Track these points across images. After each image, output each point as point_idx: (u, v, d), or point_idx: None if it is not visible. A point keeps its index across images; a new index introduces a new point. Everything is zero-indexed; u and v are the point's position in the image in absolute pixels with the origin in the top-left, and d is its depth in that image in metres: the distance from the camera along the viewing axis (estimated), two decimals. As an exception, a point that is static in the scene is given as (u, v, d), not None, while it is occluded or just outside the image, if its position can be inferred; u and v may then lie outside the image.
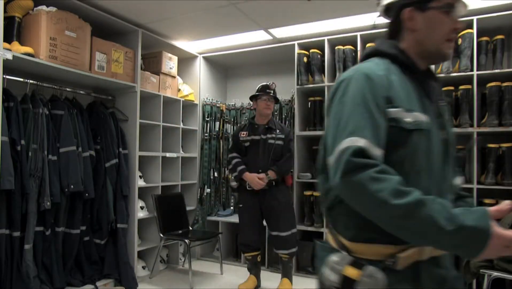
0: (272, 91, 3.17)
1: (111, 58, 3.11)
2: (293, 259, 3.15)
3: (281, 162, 3.08)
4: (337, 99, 0.93)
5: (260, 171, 3.05)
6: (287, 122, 3.96)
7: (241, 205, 3.19)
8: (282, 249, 3.06)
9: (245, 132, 3.21)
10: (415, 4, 0.96)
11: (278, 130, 3.14)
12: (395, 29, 1.02)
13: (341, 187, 0.83)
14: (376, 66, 0.95)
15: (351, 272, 0.86)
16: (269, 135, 3.12)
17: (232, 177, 3.26)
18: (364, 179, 0.79)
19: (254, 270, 3.21)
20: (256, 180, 3.02)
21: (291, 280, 3.11)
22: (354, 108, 0.87)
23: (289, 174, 3.19)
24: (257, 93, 3.18)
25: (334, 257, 0.91)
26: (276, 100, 3.25)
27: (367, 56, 1.02)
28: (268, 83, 3.20)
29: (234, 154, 3.23)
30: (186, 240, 3.31)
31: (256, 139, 3.14)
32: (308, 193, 3.60)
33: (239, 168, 3.13)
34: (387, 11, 1.05)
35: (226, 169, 4.29)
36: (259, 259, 3.23)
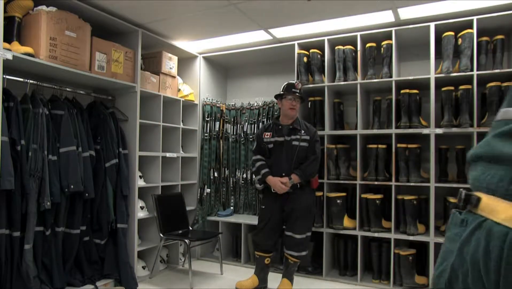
0: (298, 91, 3.04)
1: (111, 58, 3.11)
2: (298, 263, 3.10)
3: (305, 165, 2.98)
4: None
5: (283, 174, 2.98)
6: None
7: (263, 207, 3.15)
8: (292, 250, 3.01)
9: (268, 134, 3.11)
10: None
11: (303, 131, 3.02)
12: None
13: None
14: None
15: None
16: (293, 137, 3.01)
17: (256, 180, 3.23)
18: None
19: (258, 270, 3.18)
20: (279, 184, 2.95)
21: (291, 281, 3.10)
22: None
23: (315, 176, 3.09)
24: (282, 92, 3.08)
25: None
26: (302, 100, 3.12)
27: None
28: (294, 82, 3.08)
29: (258, 156, 3.16)
30: (186, 240, 3.31)
31: (279, 141, 3.05)
32: (308, 193, 3.59)
33: (263, 171, 3.06)
34: None
35: (226, 169, 4.29)
36: (266, 262, 3.16)
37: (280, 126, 3.09)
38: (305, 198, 3.04)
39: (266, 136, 3.12)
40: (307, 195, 3.06)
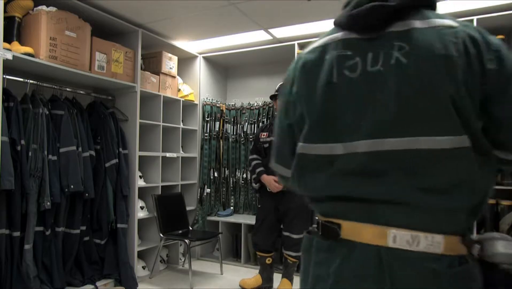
0: None
1: (111, 58, 3.11)
2: (297, 263, 3.09)
3: None
4: None
5: None
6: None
7: (259, 206, 3.20)
8: (290, 250, 3.02)
9: (265, 133, 3.17)
10: None
11: None
12: None
13: None
14: None
15: None
16: None
17: (252, 179, 3.25)
18: None
19: (261, 270, 3.21)
20: (272, 182, 2.98)
21: (291, 281, 3.10)
22: None
23: None
24: (275, 93, 3.12)
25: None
26: None
27: None
28: None
29: (254, 156, 3.20)
30: (186, 240, 3.31)
31: (270, 140, 3.11)
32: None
33: (258, 170, 3.10)
34: None
35: (226, 169, 4.29)
36: (268, 262, 3.17)
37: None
38: (299, 196, 3.01)
39: (262, 136, 3.17)
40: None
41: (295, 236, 3.00)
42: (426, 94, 0.72)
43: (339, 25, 0.85)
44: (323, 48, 0.85)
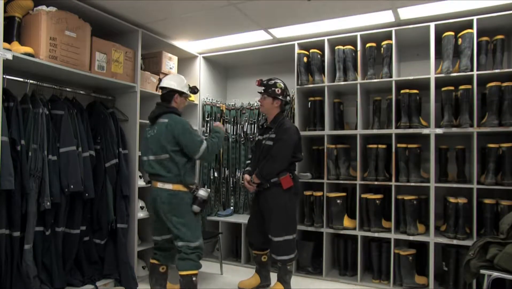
0: (264, 88, 3.02)
1: (111, 58, 3.11)
2: (288, 266, 2.96)
3: (261, 165, 2.91)
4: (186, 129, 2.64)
5: (252, 173, 3.03)
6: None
7: (251, 203, 3.30)
8: (273, 253, 2.96)
9: (257, 134, 3.27)
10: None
11: (272, 130, 2.96)
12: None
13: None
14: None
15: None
16: (265, 136, 3.02)
17: None
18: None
19: (259, 269, 3.22)
20: (245, 182, 3.06)
21: (284, 284, 2.99)
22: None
23: (278, 176, 2.87)
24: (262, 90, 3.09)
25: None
26: (271, 94, 2.99)
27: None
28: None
29: (250, 156, 3.31)
30: (186, 240, 3.31)
31: (256, 140, 3.18)
32: (308, 193, 3.60)
33: (244, 169, 3.25)
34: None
35: (226, 169, 4.30)
36: (263, 259, 3.19)
37: (261, 126, 3.23)
38: (271, 198, 2.93)
39: (256, 137, 3.26)
40: (274, 196, 2.92)
41: (274, 239, 2.91)
42: (161, 143, 2.61)
43: (149, 118, 2.76)
44: (149, 127, 2.75)
